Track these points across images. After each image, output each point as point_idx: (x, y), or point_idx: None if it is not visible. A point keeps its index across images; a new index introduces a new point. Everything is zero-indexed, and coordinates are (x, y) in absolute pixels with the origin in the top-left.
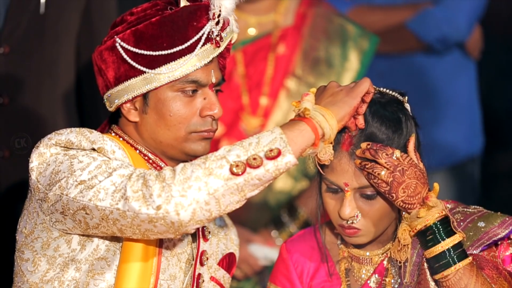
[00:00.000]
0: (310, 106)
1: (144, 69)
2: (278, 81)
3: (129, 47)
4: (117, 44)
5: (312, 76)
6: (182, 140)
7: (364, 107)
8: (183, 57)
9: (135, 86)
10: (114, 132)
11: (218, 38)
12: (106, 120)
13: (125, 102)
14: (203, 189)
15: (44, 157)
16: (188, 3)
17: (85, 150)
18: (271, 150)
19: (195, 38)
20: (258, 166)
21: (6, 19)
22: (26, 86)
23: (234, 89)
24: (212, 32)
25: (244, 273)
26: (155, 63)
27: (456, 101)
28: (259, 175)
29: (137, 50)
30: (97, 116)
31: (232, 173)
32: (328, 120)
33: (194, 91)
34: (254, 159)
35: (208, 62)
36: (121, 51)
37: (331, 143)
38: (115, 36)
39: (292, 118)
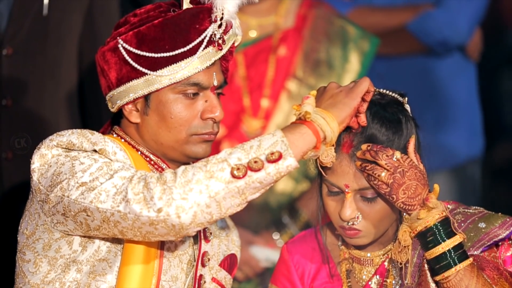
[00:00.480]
0: (311, 109)
1: (145, 70)
2: (279, 83)
3: (131, 49)
4: (120, 46)
5: (313, 78)
6: (182, 142)
7: (365, 106)
8: (184, 59)
9: (137, 87)
10: (115, 133)
11: (220, 41)
12: (109, 121)
13: (127, 103)
14: (204, 192)
15: (46, 158)
16: (191, 6)
17: (86, 151)
18: (272, 153)
19: (197, 40)
20: (259, 169)
21: (9, 21)
22: (29, 88)
23: (235, 91)
24: (215, 35)
25: (245, 274)
26: (156, 65)
27: (456, 103)
28: (260, 178)
29: (139, 52)
30: (99, 117)
31: (233, 176)
32: (329, 123)
33: (196, 94)
34: (255, 162)
35: (210, 65)
36: (123, 53)
37: (333, 145)
38: (118, 37)
39: (293, 121)
